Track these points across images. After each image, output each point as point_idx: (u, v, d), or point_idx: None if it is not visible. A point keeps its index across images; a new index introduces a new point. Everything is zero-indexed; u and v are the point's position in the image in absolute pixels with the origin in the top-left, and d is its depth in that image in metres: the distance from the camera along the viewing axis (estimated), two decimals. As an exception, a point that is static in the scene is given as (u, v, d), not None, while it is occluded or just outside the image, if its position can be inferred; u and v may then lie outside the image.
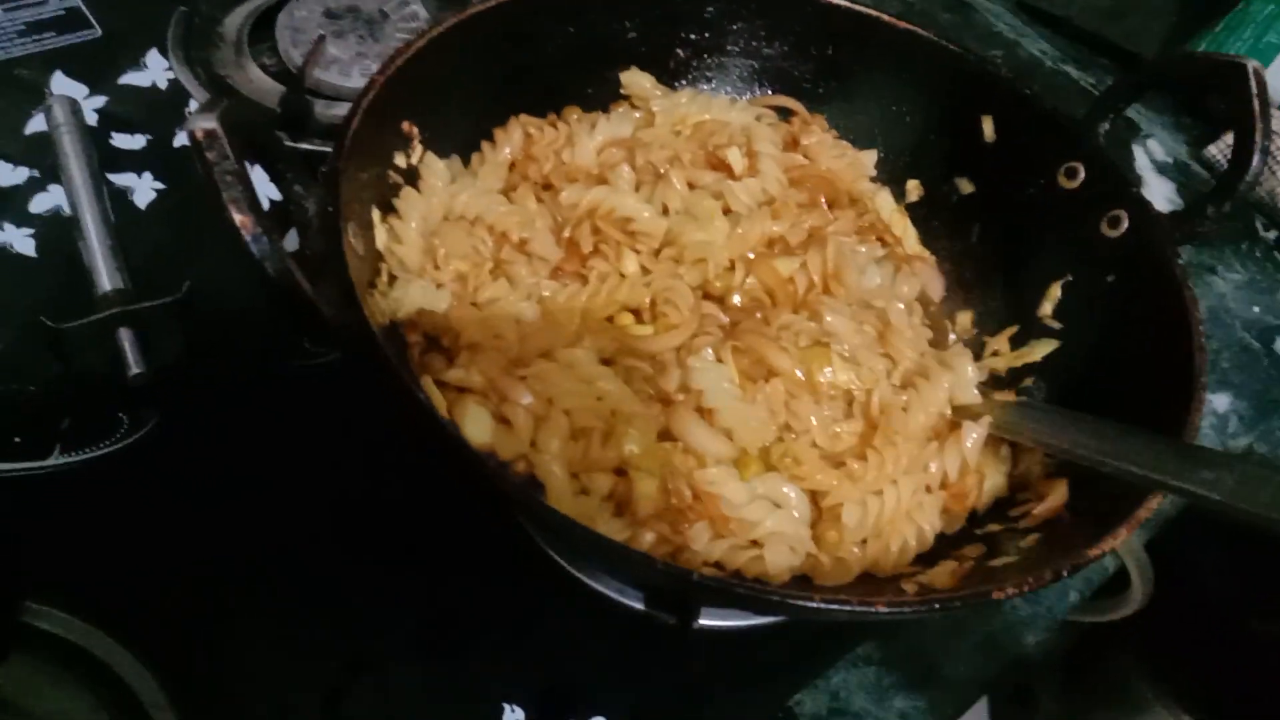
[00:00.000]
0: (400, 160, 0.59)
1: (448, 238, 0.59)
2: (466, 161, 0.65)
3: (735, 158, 0.66)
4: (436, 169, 0.61)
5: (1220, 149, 1.02)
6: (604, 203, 0.62)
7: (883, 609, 0.41)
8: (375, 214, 0.56)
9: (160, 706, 0.50)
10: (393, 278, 0.56)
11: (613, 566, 0.53)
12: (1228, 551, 0.98)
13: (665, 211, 0.64)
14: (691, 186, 0.65)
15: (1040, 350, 0.64)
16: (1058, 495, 0.53)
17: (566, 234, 0.62)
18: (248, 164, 0.72)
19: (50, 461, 0.58)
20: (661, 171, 0.65)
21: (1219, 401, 0.83)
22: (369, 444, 0.62)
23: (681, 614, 0.52)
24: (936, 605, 0.43)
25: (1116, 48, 1.13)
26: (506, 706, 0.55)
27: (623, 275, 0.61)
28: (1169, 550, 0.72)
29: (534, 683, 0.56)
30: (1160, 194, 0.99)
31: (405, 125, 0.59)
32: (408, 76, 0.55)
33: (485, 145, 0.65)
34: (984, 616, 0.65)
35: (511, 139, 0.65)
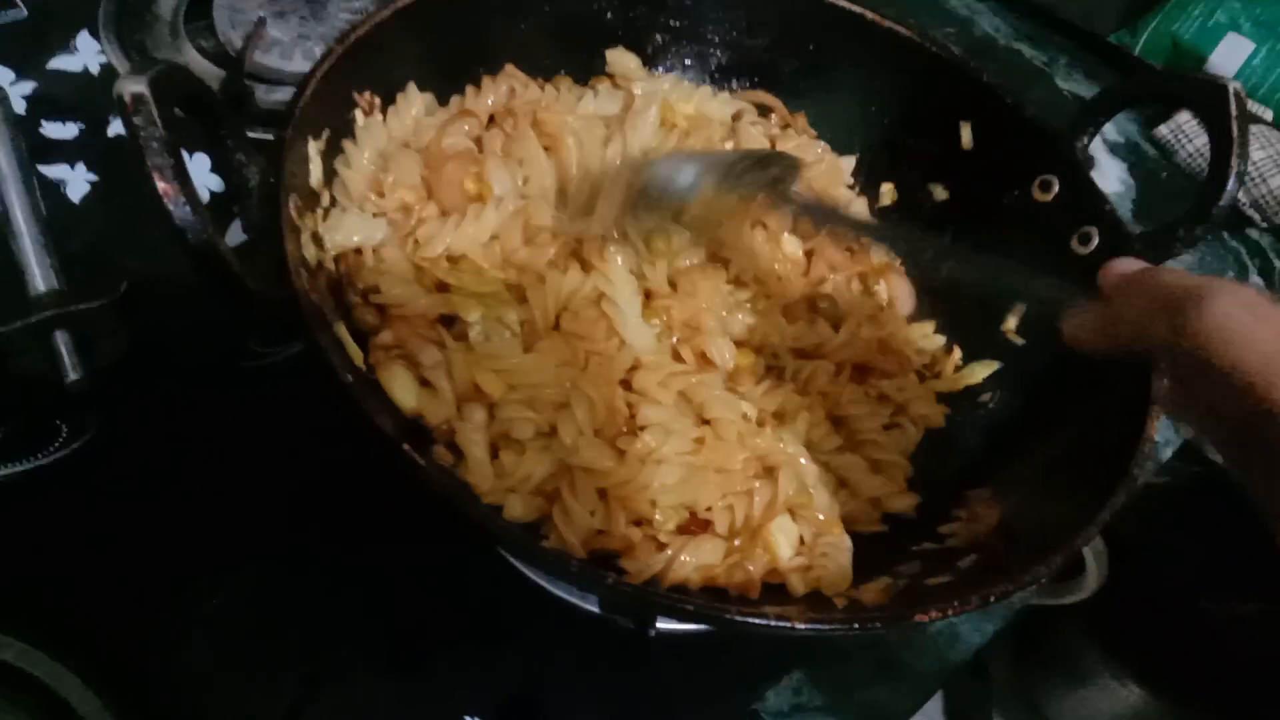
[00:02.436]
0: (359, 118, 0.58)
1: (399, 165, 0.58)
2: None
3: None
4: (415, 100, 0.60)
5: (1171, 129, 1.02)
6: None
7: (801, 625, 0.41)
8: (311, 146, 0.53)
9: (107, 730, 0.49)
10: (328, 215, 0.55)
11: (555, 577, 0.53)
12: (1181, 534, 1.00)
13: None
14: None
15: (981, 372, 0.64)
16: (989, 518, 0.53)
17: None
18: (193, 153, 0.70)
19: (-18, 474, 0.56)
20: None
21: (1170, 387, 0.83)
22: (324, 448, 0.60)
23: (639, 619, 0.52)
24: (855, 625, 0.43)
25: (1071, 25, 1.13)
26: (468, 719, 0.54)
27: None
28: (1123, 533, 0.73)
29: (496, 693, 0.55)
30: (1113, 174, 0.99)
31: (368, 96, 0.57)
32: (369, 48, 0.54)
33: (470, 90, 0.64)
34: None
35: (498, 89, 0.64)
